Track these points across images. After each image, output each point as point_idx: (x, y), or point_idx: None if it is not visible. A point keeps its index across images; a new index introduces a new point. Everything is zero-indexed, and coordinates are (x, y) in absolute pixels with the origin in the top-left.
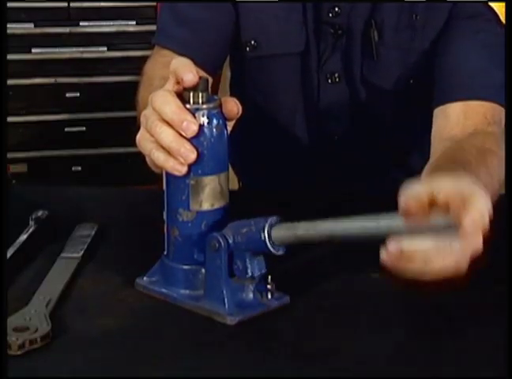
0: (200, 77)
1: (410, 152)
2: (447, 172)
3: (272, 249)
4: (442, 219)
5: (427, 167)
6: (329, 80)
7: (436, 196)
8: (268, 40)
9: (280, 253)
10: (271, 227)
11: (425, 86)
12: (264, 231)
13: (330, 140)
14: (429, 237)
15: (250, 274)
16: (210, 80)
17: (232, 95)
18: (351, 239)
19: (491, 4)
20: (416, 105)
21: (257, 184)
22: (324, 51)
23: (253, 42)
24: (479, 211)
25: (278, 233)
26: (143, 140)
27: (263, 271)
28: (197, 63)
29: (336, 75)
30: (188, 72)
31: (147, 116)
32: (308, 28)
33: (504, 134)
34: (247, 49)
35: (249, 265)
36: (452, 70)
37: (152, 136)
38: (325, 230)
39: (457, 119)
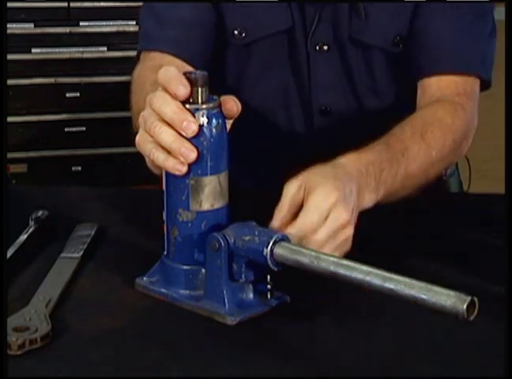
0: (197, 72)
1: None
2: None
3: (271, 265)
4: None
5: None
6: (317, 48)
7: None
8: (254, 24)
9: (278, 268)
10: (275, 244)
11: (408, 45)
12: (267, 247)
13: (324, 113)
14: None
15: (243, 279)
16: None
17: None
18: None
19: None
20: (403, 70)
21: (251, 175)
22: (311, 21)
23: (239, 29)
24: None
25: (281, 253)
26: (142, 141)
27: (258, 276)
28: (186, 60)
29: (326, 42)
30: (178, 85)
31: (145, 117)
32: (292, 3)
33: (476, 107)
34: (234, 38)
35: (244, 270)
36: (431, 46)
37: (151, 136)
38: (329, 266)
39: (430, 94)
